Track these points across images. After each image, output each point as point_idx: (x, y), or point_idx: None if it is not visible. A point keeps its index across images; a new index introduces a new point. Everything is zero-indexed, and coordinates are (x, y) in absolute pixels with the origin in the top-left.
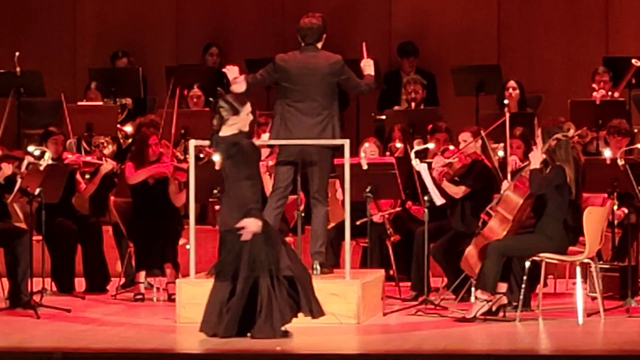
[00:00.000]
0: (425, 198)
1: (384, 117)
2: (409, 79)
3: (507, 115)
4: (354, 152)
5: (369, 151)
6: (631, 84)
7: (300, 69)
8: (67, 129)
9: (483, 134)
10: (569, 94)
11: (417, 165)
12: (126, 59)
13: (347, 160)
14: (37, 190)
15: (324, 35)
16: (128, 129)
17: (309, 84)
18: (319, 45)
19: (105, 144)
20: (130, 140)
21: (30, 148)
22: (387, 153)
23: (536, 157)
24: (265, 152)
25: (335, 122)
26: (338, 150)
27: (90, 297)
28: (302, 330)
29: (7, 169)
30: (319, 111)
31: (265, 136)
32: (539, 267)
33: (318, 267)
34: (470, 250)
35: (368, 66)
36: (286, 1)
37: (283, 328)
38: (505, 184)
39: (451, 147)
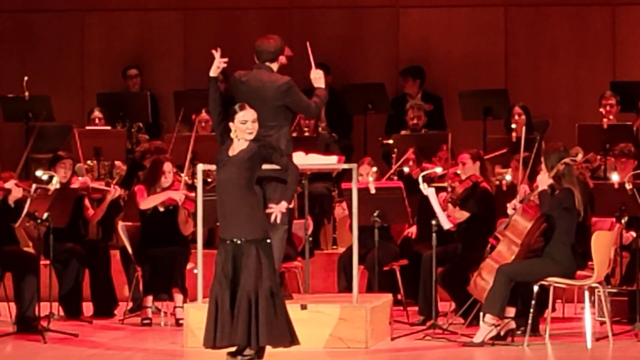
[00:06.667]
0: (433, 222)
1: (391, 141)
2: (412, 105)
3: (517, 138)
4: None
5: (364, 173)
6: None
7: (249, 90)
8: (77, 153)
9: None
10: (576, 118)
11: (425, 189)
12: (136, 69)
13: (354, 184)
14: (45, 215)
15: (280, 57)
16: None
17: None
18: (274, 66)
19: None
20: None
21: (39, 172)
22: (395, 177)
23: (544, 181)
24: None
25: (281, 138)
26: None
27: (97, 321)
28: (310, 355)
29: (17, 191)
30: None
31: None
32: (547, 291)
33: None
34: (479, 274)
35: (318, 78)
36: (293, 26)
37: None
38: (510, 208)
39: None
